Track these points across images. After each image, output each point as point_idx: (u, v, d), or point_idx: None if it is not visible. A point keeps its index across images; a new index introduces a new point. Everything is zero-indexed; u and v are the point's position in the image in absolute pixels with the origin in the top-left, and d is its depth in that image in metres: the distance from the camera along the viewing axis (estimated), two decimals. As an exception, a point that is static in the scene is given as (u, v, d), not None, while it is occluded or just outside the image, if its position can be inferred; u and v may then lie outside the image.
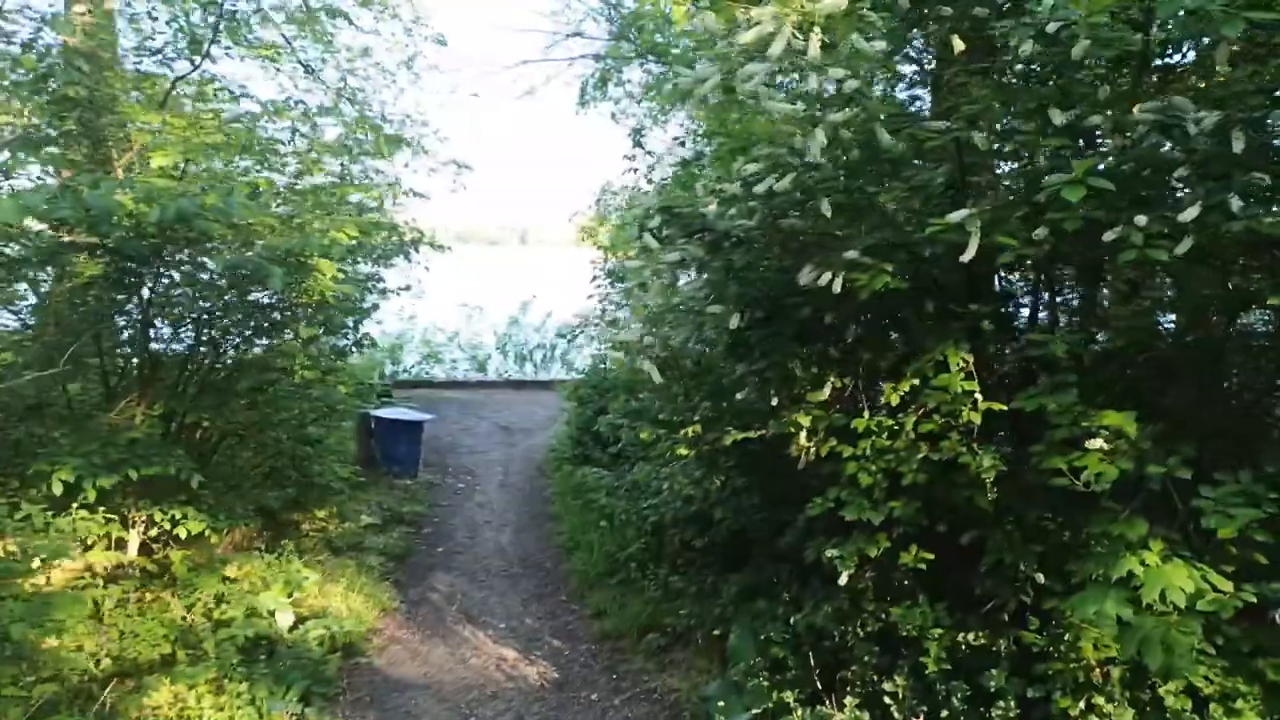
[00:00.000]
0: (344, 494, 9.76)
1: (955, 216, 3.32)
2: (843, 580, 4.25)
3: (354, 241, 5.67)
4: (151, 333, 6.25)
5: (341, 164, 9.91)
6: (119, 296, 5.88)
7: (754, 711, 4.83)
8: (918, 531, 4.25)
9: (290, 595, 6.58)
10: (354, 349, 8.72)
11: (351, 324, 8.41)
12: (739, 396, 4.69)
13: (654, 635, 6.58)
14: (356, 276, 7.76)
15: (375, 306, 8.68)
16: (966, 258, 3.28)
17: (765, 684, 4.84)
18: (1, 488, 5.09)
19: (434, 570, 8.56)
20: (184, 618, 5.75)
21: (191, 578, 5.98)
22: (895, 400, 4.19)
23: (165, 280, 6.02)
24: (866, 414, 4.25)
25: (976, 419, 3.83)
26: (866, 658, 4.46)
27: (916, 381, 4.16)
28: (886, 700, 4.28)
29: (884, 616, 4.41)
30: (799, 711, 4.48)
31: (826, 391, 4.34)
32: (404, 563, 8.72)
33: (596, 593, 7.66)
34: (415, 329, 21.46)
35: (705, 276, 4.49)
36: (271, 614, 6.29)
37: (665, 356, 5.95)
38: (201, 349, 6.71)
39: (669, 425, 5.64)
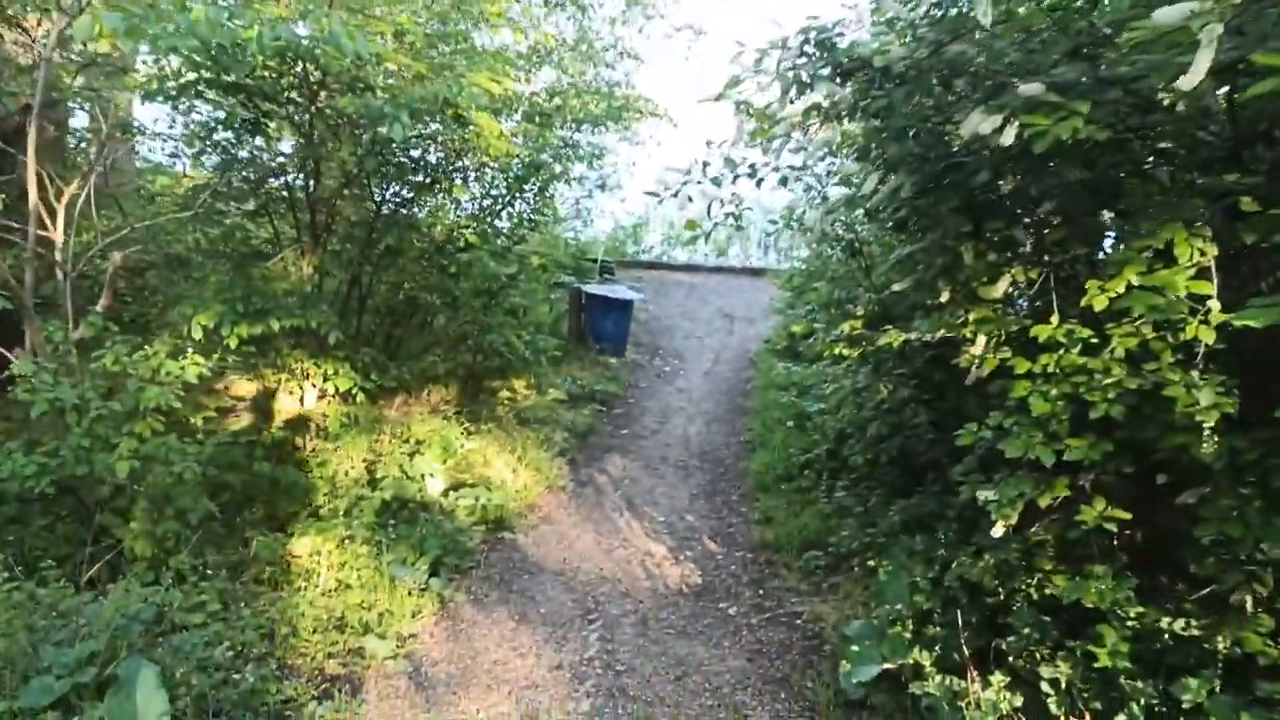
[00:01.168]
0: (540, 366, 9.74)
1: (1169, 14, 2.12)
2: (997, 531, 3.29)
3: (502, 92, 5.16)
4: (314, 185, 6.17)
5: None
6: (254, 139, 5.81)
7: (887, 666, 4.05)
8: (1112, 481, 3.17)
9: (445, 462, 6.53)
10: (530, 219, 8.38)
11: (533, 189, 8.04)
12: (897, 287, 3.72)
13: (815, 553, 5.87)
14: (543, 139, 7.31)
15: (561, 174, 8.24)
16: (1188, 82, 2.11)
17: (906, 636, 4.02)
18: (144, 332, 5.30)
19: (611, 452, 8.31)
20: (331, 474, 5.84)
21: (343, 434, 6.04)
22: (1102, 303, 3.06)
23: (303, 123, 5.79)
24: (1055, 319, 3.16)
25: (1207, 337, 2.66)
26: (1028, 629, 3.50)
27: (1135, 278, 3.00)
28: (1045, 687, 3.34)
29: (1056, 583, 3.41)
30: (935, 679, 3.65)
31: (1003, 286, 3.28)
32: (585, 441, 8.54)
33: (768, 497, 7.01)
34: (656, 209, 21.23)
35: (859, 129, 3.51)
36: (423, 478, 6.28)
37: (836, 236, 5.02)
38: (368, 205, 6.60)
39: (830, 319, 4.75)
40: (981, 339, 3.43)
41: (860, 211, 4.40)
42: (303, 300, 5.51)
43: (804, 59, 3.40)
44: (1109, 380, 2.93)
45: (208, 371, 4.51)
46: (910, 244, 3.65)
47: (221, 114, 5.59)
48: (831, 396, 5.69)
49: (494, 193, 8.32)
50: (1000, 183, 3.08)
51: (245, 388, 7.11)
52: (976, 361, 3.45)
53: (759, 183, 3.54)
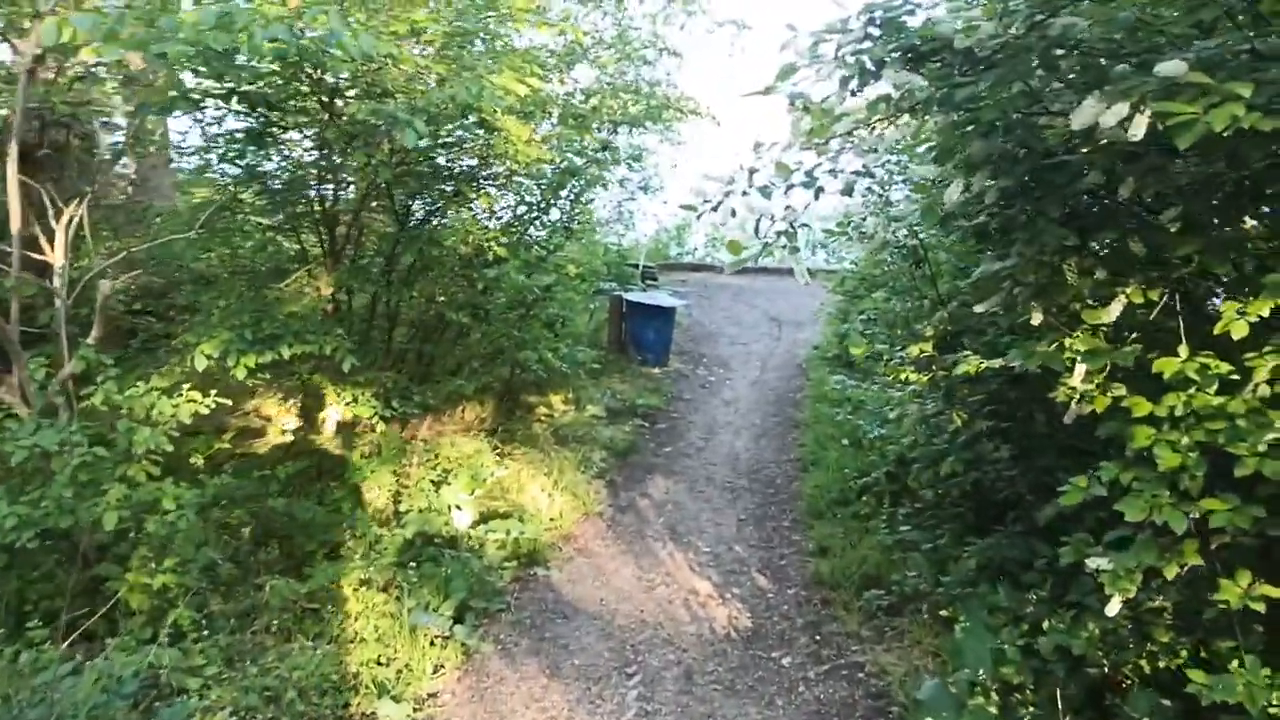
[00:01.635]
0: (579, 379, 9.29)
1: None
2: (1112, 608, 2.73)
3: (530, 94, 4.69)
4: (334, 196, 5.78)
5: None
6: (271, 150, 5.43)
7: (969, 744, 3.50)
8: (1256, 548, 2.60)
9: (474, 492, 6.09)
10: (566, 227, 7.92)
11: (570, 195, 7.58)
12: (981, 308, 3.16)
13: (877, 592, 5.31)
14: (576, 143, 6.84)
15: (597, 179, 7.76)
16: None
17: (991, 711, 3.47)
18: (150, 360, 4.95)
19: (653, 473, 7.81)
20: (353, 507, 5.43)
21: (363, 466, 5.64)
22: (1241, 330, 2.49)
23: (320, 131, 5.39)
24: (1184, 350, 2.59)
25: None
26: (1143, 717, 2.93)
27: (1282, 301, 2.43)
28: (1167, 788, 2.78)
29: (1181, 665, 2.84)
30: (1028, 768, 3.09)
31: (1116, 309, 2.72)
32: (625, 460, 8.06)
33: (823, 524, 6.46)
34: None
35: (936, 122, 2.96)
36: (450, 510, 5.85)
37: (902, 244, 4.46)
38: (398, 216, 6.19)
39: (893, 337, 4.21)
40: (1081, 368, 2.87)
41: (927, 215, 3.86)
42: (316, 324, 5.11)
43: (868, 42, 2.87)
44: (1257, 427, 2.36)
45: (206, 409, 4.11)
46: (996, 258, 3.09)
47: (246, 124, 5.24)
48: (897, 422, 5.13)
49: (528, 200, 7.90)
50: (1118, 187, 2.52)
51: (273, 407, 6.77)
52: (1077, 397, 2.89)
53: (818, 193, 3.01)
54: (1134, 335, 2.75)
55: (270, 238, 6.25)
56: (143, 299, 6.79)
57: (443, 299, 7.46)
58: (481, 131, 5.49)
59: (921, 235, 4.25)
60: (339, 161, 5.37)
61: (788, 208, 2.86)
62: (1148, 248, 2.68)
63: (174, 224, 5.83)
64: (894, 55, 2.82)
